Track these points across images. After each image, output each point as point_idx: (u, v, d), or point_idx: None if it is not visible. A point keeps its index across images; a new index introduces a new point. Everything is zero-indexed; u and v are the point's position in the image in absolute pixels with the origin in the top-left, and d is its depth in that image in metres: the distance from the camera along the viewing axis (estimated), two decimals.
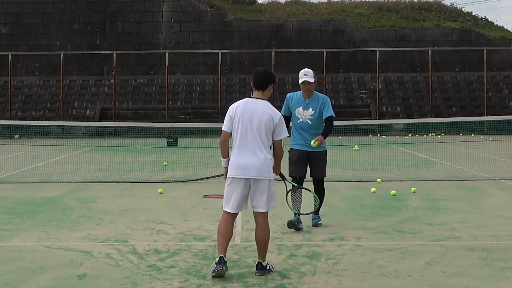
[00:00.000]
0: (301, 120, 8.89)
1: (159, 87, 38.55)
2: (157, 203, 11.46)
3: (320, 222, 9.12)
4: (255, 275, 6.57)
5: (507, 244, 7.96)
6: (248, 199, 6.72)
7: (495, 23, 44.51)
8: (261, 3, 47.30)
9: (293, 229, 8.81)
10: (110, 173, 16.29)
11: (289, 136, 7.84)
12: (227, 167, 6.74)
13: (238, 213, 6.73)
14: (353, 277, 6.51)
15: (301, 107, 8.90)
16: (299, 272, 6.72)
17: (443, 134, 32.17)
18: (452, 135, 31.35)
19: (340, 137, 27.76)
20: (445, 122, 30.46)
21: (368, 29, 40.94)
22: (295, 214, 8.76)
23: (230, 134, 6.75)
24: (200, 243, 8.10)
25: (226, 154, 6.81)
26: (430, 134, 32.10)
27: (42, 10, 40.31)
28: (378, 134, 32.12)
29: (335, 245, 7.97)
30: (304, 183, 8.97)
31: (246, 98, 6.85)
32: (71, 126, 33.67)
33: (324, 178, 9.19)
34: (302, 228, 8.86)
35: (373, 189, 12.59)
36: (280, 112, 7.47)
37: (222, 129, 6.77)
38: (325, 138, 8.83)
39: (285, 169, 7.52)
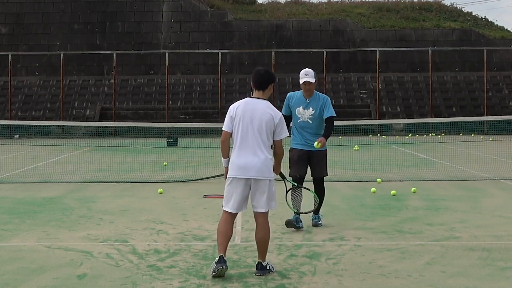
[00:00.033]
0: (301, 119, 8.91)
1: (159, 87, 38.55)
2: (157, 203, 11.46)
3: (320, 222, 9.13)
4: (255, 275, 6.57)
5: (507, 244, 7.96)
6: (248, 199, 6.72)
7: (495, 23, 44.55)
8: (261, 3, 47.35)
9: (292, 229, 8.81)
10: (110, 173, 16.29)
11: (290, 136, 7.84)
12: (228, 167, 6.74)
13: (238, 213, 6.73)
14: (353, 277, 6.51)
15: (301, 107, 8.91)
16: (299, 272, 6.72)
17: (443, 134, 32.17)
18: (452, 135, 31.35)
19: (340, 137, 27.76)
20: (445, 122, 30.46)
21: (368, 29, 40.94)
22: (295, 213, 8.77)
23: (230, 134, 6.75)
24: (200, 243, 8.10)
25: (226, 154, 6.81)
26: (430, 134, 32.10)
27: (42, 10, 40.31)
28: (378, 134, 32.12)
29: (335, 245, 7.97)
30: (304, 182, 8.98)
31: (247, 98, 6.85)
32: (71, 126, 33.67)
33: (325, 178, 9.20)
34: (302, 227, 8.87)
35: (373, 189, 12.59)
36: (281, 111, 7.47)
37: (223, 129, 6.76)
38: (327, 139, 8.85)
39: (285, 169, 7.52)
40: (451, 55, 39.32)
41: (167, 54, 36.11)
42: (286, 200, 7.96)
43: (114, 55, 36.05)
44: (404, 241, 8.14)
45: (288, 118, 8.87)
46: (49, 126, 31.95)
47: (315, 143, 8.71)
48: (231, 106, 6.83)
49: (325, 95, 9.15)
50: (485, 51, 36.24)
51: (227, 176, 6.71)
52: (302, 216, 8.87)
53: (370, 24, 41.93)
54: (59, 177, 15.46)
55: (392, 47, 39.04)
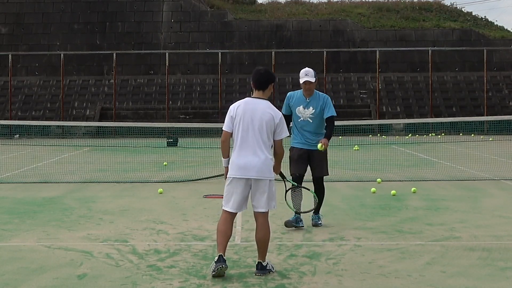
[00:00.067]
0: (302, 118, 8.93)
1: (159, 87, 38.55)
2: (157, 203, 11.46)
3: (320, 222, 9.13)
4: (255, 275, 6.57)
5: (507, 244, 7.96)
6: (248, 199, 6.73)
7: (495, 23, 44.56)
8: (261, 3, 47.35)
9: (292, 228, 8.83)
10: (110, 173, 16.29)
11: (290, 136, 7.85)
12: (227, 167, 6.74)
13: (237, 212, 6.73)
14: (353, 277, 6.51)
15: (301, 106, 8.93)
16: (299, 272, 6.72)
17: (443, 134, 32.17)
18: (452, 135, 31.35)
19: (340, 137, 27.76)
20: (445, 122, 30.46)
21: (368, 29, 40.94)
22: (295, 213, 8.77)
23: (231, 134, 6.75)
24: (200, 243, 8.10)
25: (226, 154, 6.81)
26: (430, 134, 32.10)
27: (42, 10, 40.31)
28: (378, 134, 32.12)
29: (335, 245, 7.97)
30: (304, 182, 8.99)
31: (247, 98, 6.85)
32: (71, 126, 33.67)
33: (325, 178, 9.21)
34: (302, 226, 8.90)
35: (373, 189, 12.60)
36: (281, 111, 7.49)
37: (223, 129, 6.76)
38: (329, 139, 8.90)
39: (285, 169, 7.52)
40: (451, 55, 39.32)
41: (167, 54, 36.12)
42: (285, 199, 7.97)
43: (114, 55, 36.05)
44: (404, 241, 8.14)
45: (288, 118, 8.88)
46: (49, 126, 31.95)
47: (319, 145, 8.75)
48: (231, 106, 6.82)
49: (325, 94, 9.17)
50: (485, 51, 36.24)
51: (227, 176, 6.71)
52: (302, 216, 8.88)
53: (370, 24, 41.93)
54: (59, 177, 15.45)
55: (392, 47, 39.04)
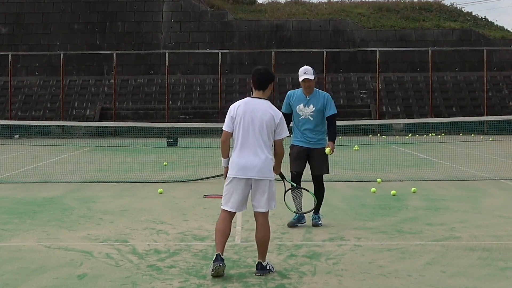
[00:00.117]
0: (302, 117, 8.97)
1: (159, 87, 38.55)
2: (157, 203, 11.46)
3: (320, 222, 9.14)
4: (255, 275, 6.57)
5: (507, 244, 7.96)
6: (248, 199, 6.73)
7: (495, 23, 44.56)
8: (261, 3, 47.35)
9: (292, 228, 8.91)
10: (110, 173, 16.29)
11: (290, 135, 7.86)
12: (227, 167, 6.75)
13: (236, 212, 6.73)
14: (353, 277, 6.51)
15: (301, 104, 8.97)
16: (299, 272, 6.72)
17: (443, 134, 32.17)
18: (452, 135, 31.35)
19: (340, 137, 27.70)
20: (445, 122, 30.46)
21: (368, 29, 40.94)
22: (294, 213, 8.80)
23: (231, 134, 6.75)
24: (200, 243, 8.10)
25: (226, 154, 6.81)
26: (430, 134, 32.10)
27: (42, 10, 40.31)
28: (378, 134, 32.12)
29: (335, 245, 7.97)
30: (303, 182, 9.00)
31: (247, 98, 6.85)
32: (71, 126, 33.68)
33: (325, 178, 9.23)
34: (305, 222, 9.05)
35: (373, 189, 12.60)
36: (281, 110, 7.52)
37: (223, 129, 6.76)
38: (334, 141, 9.03)
39: (285, 169, 7.52)
40: (451, 55, 39.32)
41: (167, 54, 36.12)
42: (284, 200, 7.97)
43: (114, 55, 36.05)
44: (404, 241, 8.14)
45: (288, 117, 8.90)
46: (49, 126, 31.95)
47: (327, 150, 8.87)
48: (231, 106, 6.82)
49: (325, 92, 9.21)
50: (485, 51, 36.24)
51: (227, 175, 6.71)
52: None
53: (370, 24, 41.93)
54: (59, 177, 15.46)
55: (392, 47, 39.04)
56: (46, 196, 12.32)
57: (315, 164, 9.02)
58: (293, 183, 8.39)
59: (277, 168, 6.90)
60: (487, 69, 36.17)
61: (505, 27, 44.94)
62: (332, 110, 8.96)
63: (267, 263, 6.67)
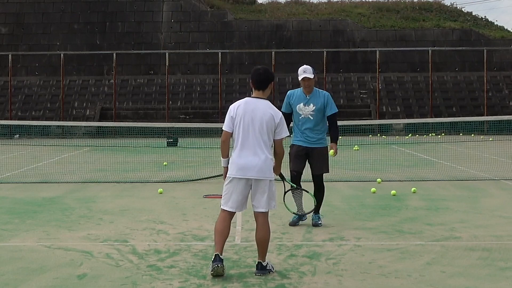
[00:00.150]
0: (302, 116, 8.99)
1: (159, 87, 38.56)
2: (157, 203, 11.45)
3: (320, 222, 9.14)
4: (255, 275, 6.57)
5: (507, 244, 7.96)
6: (248, 199, 6.73)
7: (495, 23, 44.57)
8: (261, 3, 47.35)
9: (293, 227, 8.95)
10: (110, 173, 16.29)
11: (290, 135, 7.86)
12: (227, 167, 6.74)
13: (236, 212, 6.73)
14: (353, 277, 6.51)
15: (302, 103, 8.98)
16: (299, 272, 6.72)
17: (443, 134, 32.17)
18: (452, 135, 31.35)
19: (340, 137, 27.57)
20: (445, 122, 30.45)
21: (368, 29, 40.95)
22: (293, 213, 8.81)
23: (231, 134, 6.75)
24: (200, 243, 8.10)
25: (226, 154, 6.80)
26: (430, 134, 32.11)
27: (42, 10, 40.32)
28: (378, 134, 32.12)
29: (335, 245, 7.97)
30: (303, 182, 9.00)
31: (247, 98, 6.84)
32: (71, 126, 33.68)
33: (325, 178, 9.24)
34: (306, 218, 9.14)
35: (373, 189, 12.60)
36: (281, 110, 7.53)
37: (223, 129, 6.76)
38: (337, 142, 9.10)
39: (285, 169, 7.52)
40: (451, 55, 39.33)
41: (167, 54, 36.12)
42: (283, 201, 7.97)
43: (114, 55, 36.05)
44: (404, 241, 8.14)
45: (287, 116, 8.91)
46: (49, 126, 31.95)
47: (331, 152, 8.93)
48: (231, 106, 6.82)
49: (325, 91, 9.23)
50: (485, 51, 36.25)
51: (227, 175, 6.71)
52: (303, 212, 8.94)
53: (370, 24, 41.93)
54: (59, 177, 15.45)
55: (392, 47, 39.05)
56: (46, 196, 12.32)
57: (315, 163, 9.03)
58: (293, 184, 8.40)
59: (277, 169, 6.89)
60: (487, 69, 36.17)
61: (505, 27, 44.97)
62: (332, 109, 9.00)
63: (267, 263, 6.67)
